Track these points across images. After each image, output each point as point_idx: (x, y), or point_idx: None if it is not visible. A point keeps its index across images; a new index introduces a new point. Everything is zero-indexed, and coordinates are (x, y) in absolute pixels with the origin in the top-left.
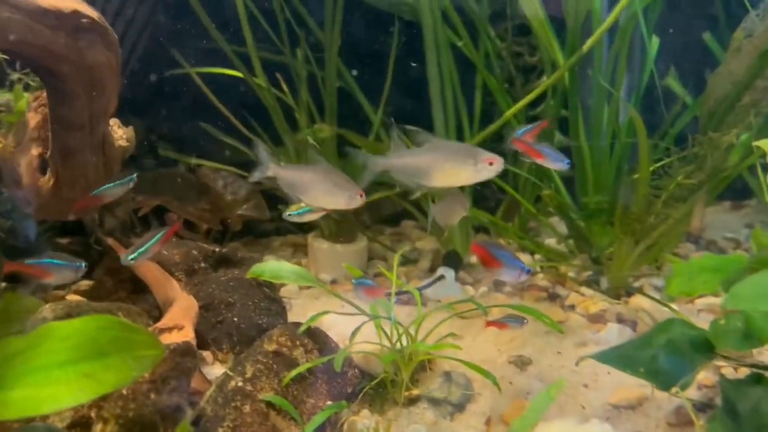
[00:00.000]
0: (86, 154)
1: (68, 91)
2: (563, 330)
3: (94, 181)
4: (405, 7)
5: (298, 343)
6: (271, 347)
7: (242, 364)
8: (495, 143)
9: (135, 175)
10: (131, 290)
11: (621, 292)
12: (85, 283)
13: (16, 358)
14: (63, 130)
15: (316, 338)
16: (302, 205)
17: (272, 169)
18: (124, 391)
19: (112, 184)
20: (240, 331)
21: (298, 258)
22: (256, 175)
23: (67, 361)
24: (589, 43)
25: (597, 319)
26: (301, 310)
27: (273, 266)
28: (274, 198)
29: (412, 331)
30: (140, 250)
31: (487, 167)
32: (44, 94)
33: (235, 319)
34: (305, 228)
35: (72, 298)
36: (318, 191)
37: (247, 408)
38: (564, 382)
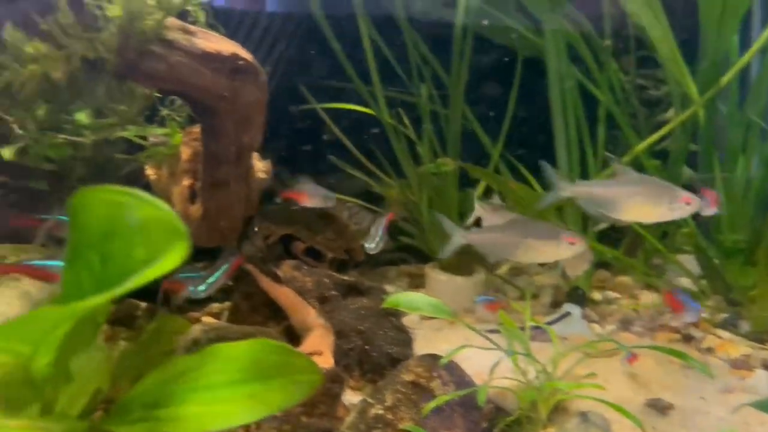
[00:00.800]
0: (233, 185)
1: (221, 127)
2: (712, 374)
3: (239, 210)
4: (526, 41)
5: (434, 374)
6: (409, 377)
7: (381, 393)
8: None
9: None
10: (267, 315)
11: (765, 336)
12: (217, 306)
13: (186, 375)
14: (213, 164)
15: (452, 371)
16: None
17: (568, 189)
18: (278, 414)
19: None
20: (371, 359)
21: (415, 288)
22: (548, 199)
23: (234, 381)
24: (728, 77)
25: (741, 364)
26: (425, 341)
27: (409, 297)
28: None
29: (549, 368)
30: (209, 281)
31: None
32: (195, 130)
33: (366, 347)
34: (421, 258)
35: (207, 320)
36: (631, 204)
37: None
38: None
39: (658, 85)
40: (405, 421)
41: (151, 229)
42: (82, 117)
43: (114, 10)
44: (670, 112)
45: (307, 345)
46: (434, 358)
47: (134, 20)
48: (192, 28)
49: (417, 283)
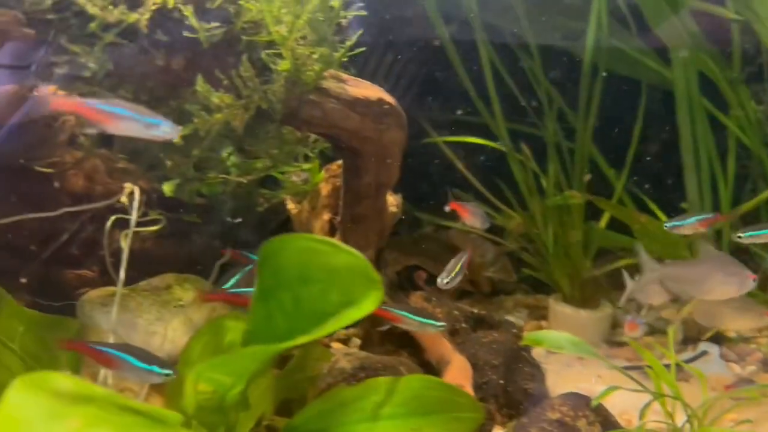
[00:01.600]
0: (371, 220)
1: (363, 166)
2: None
3: (375, 243)
4: (651, 72)
5: (580, 414)
6: (554, 416)
7: (527, 430)
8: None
9: None
10: (397, 344)
11: None
12: (343, 332)
13: (347, 406)
14: (354, 199)
15: (598, 410)
16: None
17: (657, 271)
18: None
19: None
20: (506, 394)
21: (536, 320)
22: (644, 279)
23: (395, 415)
24: None
25: None
26: (556, 377)
27: (551, 335)
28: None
29: (699, 412)
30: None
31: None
32: (333, 167)
33: (501, 381)
34: (541, 289)
35: (336, 346)
36: (710, 284)
37: None
38: None
39: None
40: None
41: (345, 275)
42: (233, 158)
43: (284, 65)
44: None
45: (448, 379)
46: (579, 397)
47: (299, 72)
48: (343, 75)
49: (537, 314)
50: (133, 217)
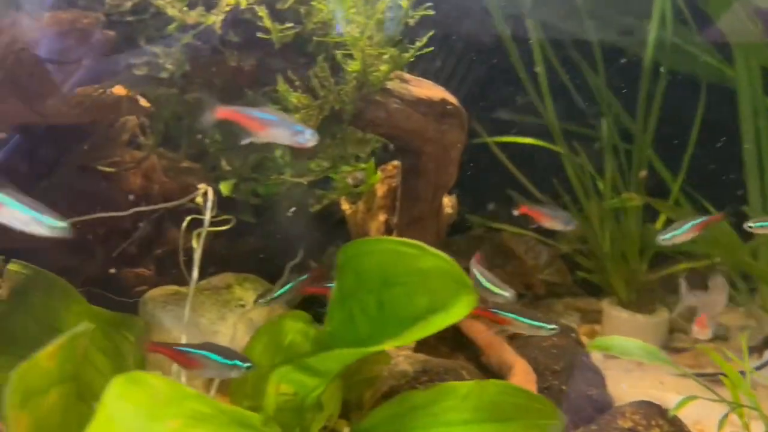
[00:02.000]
0: (427, 222)
1: (423, 167)
2: None
3: (432, 245)
4: (712, 69)
5: (653, 423)
6: (626, 424)
7: None
8: None
9: None
10: (452, 347)
11: None
12: None
13: (418, 411)
14: (411, 201)
15: (671, 420)
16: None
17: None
18: None
19: None
20: (569, 400)
21: (588, 324)
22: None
23: (470, 420)
24: None
25: None
26: (615, 382)
27: (620, 342)
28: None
29: None
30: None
31: None
32: (389, 168)
33: (563, 387)
34: (591, 291)
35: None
36: None
37: None
38: None
39: None
40: None
41: (434, 279)
42: (287, 158)
43: (354, 65)
44: None
45: (513, 384)
46: (651, 405)
47: (367, 73)
48: (407, 76)
49: (589, 318)
50: (207, 216)
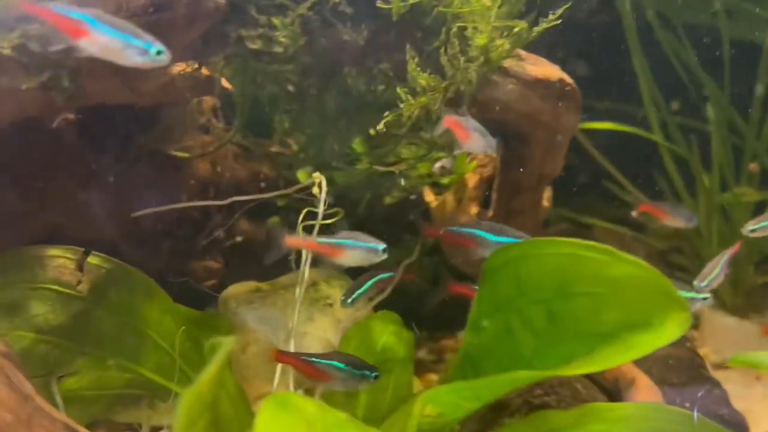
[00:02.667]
0: (527, 215)
1: (530, 155)
2: None
3: None
4: None
5: None
6: None
7: None
8: None
9: None
10: None
11: None
12: None
13: None
14: (511, 192)
15: None
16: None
17: None
18: None
19: None
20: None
21: None
22: None
23: None
24: None
25: None
26: (740, 400)
27: (761, 354)
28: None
29: None
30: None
31: None
32: (481, 156)
33: (687, 404)
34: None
35: None
36: None
37: None
38: None
39: None
40: None
41: (629, 290)
42: (359, 146)
43: (481, 39)
44: None
45: (640, 398)
46: None
47: (488, 51)
48: (523, 53)
49: None
50: (321, 208)
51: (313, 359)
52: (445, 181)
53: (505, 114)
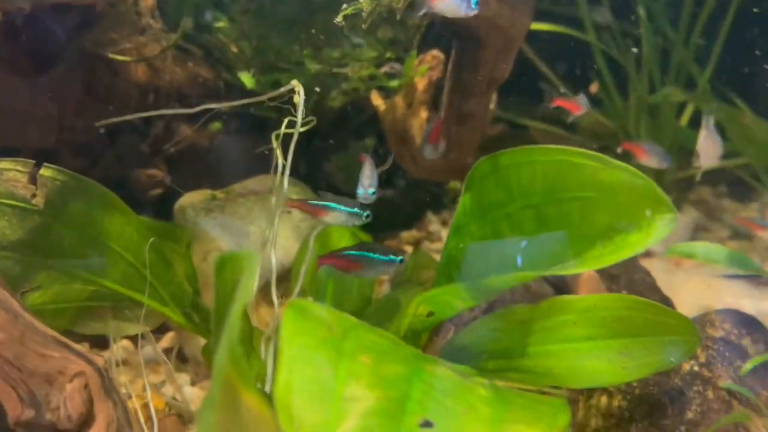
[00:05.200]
0: (477, 119)
1: (483, 58)
2: None
3: (478, 143)
4: None
5: (744, 331)
6: (717, 333)
7: None
8: None
9: None
10: None
11: None
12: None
13: (528, 326)
14: (463, 96)
15: (759, 328)
16: None
17: None
18: None
19: None
20: None
21: None
22: None
23: (594, 336)
24: None
25: None
26: (663, 287)
27: (704, 248)
28: None
29: None
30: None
31: None
32: (428, 58)
33: (624, 291)
34: None
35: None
36: None
37: (710, 394)
38: None
39: None
40: (723, 378)
41: (620, 195)
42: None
43: None
44: None
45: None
46: (738, 313)
47: None
48: None
49: None
50: (299, 116)
51: (348, 252)
52: (393, 84)
53: (463, 18)
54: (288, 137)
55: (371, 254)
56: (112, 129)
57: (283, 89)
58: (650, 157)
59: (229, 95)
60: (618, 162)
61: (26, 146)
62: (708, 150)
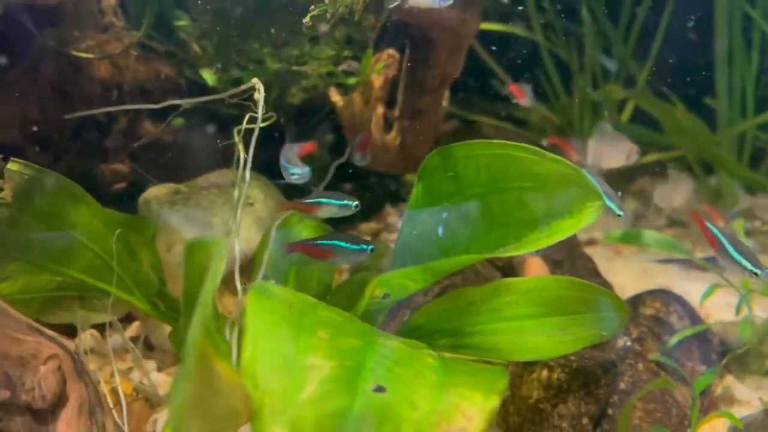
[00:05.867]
0: (430, 114)
1: (434, 58)
2: None
3: (432, 138)
4: None
5: (671, 309)
6: (649, 311)
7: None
8: None
9: None
10: None
11: None
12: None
13: (477, 306)
14: (416, 93)
15: (684, 305)
16: None
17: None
18: None
19: None
20: None
21: None
22: None
23: (535, 314)
24: None
25: None
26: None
27: (637, 234)
28: None
29: None
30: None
31: None
32: (384, 56)
33: (566, 275)
34: None
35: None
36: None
37: (640, 366)
38: None
39: None
40: (653, 351)
41: (554, 185)
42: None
43: None
44: None
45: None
46: (666, 293)
47: None
48: None
49: None
50: (260, 113)
51: (320, 242)
52: (350, 81)
53: (417, 19)
54: (249, 132)
55: (343, 243)
56: (75, 124)
57: (243, 86)
58: (575, 151)
59: (190, 92)
60: (552, 155)
61: None
62: (601, 154)
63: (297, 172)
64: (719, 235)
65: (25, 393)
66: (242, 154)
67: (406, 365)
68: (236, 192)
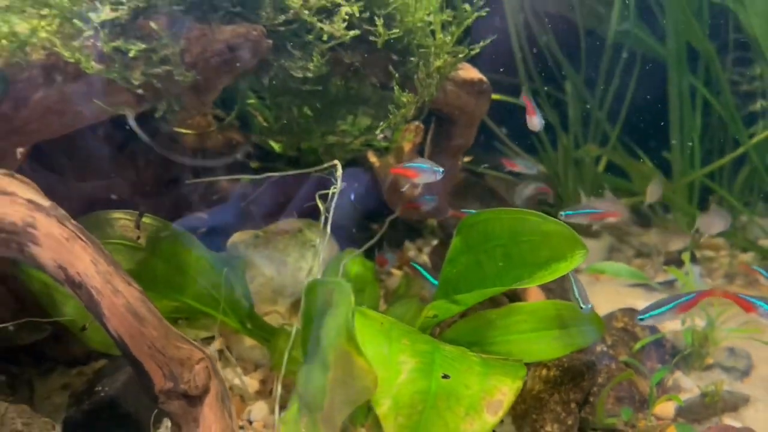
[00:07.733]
0: (449, 174)
1: (455, 132)
2: None
3: (449, 191)
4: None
5: (636, 322)
6: (619, 324)
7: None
8: None
9: None
10: None
11: None
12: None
13: (494, 323)
14: (438, 158)
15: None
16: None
17: None
18: None
19: None
20: None
21: None
22: None
23: (538, 328)
24: None
25: None
26: None
27: (613, 266)
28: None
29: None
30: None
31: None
32: (412, 128)
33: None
34: None
35: None
36: None
37: (613, 365)
38: None
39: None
40: (622, 354)
41: (554, 238)
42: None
43: (440, 62)
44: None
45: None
46: (633, 311)
47: (443, 69)
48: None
49: None
50: (337, 188)
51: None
52: (386, 146)
53: (444, 106)
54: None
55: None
56: (169, 181)
57: (325, 165)
58: (519, 168)
59: (257, 155)
60: (552, 219)
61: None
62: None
63: None
64: None
65: (183, 384)
66: (323, 214)
67: (461, 361)
68: (310, 236)
